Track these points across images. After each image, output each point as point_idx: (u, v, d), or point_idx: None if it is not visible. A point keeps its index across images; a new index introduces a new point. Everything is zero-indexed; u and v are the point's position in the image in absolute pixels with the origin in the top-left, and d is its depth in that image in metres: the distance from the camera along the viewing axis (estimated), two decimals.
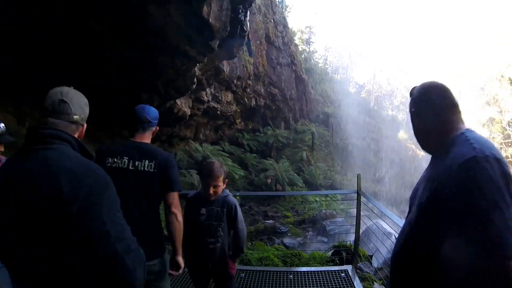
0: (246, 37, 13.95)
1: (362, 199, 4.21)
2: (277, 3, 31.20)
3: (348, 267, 4.25)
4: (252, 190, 18.55)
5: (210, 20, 7.10)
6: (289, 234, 12.73)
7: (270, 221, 13.99)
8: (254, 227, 12.70)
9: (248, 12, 12.06)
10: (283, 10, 33.79)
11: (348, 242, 4.98)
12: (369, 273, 4.65)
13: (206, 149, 17.24)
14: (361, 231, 4.47)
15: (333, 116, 32.24)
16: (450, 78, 44.14)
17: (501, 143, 27.61)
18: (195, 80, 10.85)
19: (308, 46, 43.88)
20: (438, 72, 46.49)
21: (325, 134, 30.33)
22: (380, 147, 30.25)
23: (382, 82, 48.71)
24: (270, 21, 27.39)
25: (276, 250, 6.14)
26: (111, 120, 10.07)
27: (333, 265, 4.60)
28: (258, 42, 25.34)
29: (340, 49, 48.11)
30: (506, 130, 25.78)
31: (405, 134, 37.99)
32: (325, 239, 11.61)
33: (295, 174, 21.50)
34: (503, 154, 27.07)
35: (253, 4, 24.39)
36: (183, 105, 14.64)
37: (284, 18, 31.60)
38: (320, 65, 45.26)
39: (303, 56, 39.12)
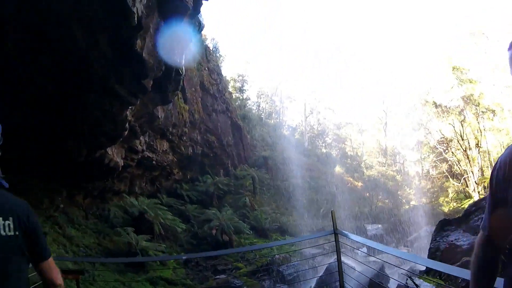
0: (181, 81, 13.49)
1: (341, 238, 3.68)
2: (211, 51, 31.92)
3: None
4: (196, 243, 17.10)
5: (143, 55, 6.46)
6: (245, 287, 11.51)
7: (222, 276, 12.65)
8: (205, 286, 11.29)
9: (184, 56, 11.69)
10: (217, 58, 34.65)
11: None
12: None
13: (143, 203, 15.62)
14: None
15: (270, 159, 32.56)
16: (377, 108, 48.52)
17: (434, 161, 30.03)
18: (127, 126, 9.84)
19: (242, 94, 45.11)
20: (366, 106, 50.84)
21: (265, 177, 30.23)
22: (319, 183, 30.92)
23: (313, 123, 51.53)
24: (205, 69, 27.64)
25: None
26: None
27: None
28: (193, 89, 25.14)
29: (271, 94, 50.33)
30: (437, 148, 28.24)
31: (341, 168, 39.73)
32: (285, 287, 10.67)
33: (241, 221, 20.58)
34: (436, 171, 29.69)
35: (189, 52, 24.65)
36: (115, 155, 13.25)
37: (218, 66, 32.30)
38: (254, 111, 46.48)
39: (237, 103, 39.90)
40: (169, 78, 10.09)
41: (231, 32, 79.65)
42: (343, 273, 4.01)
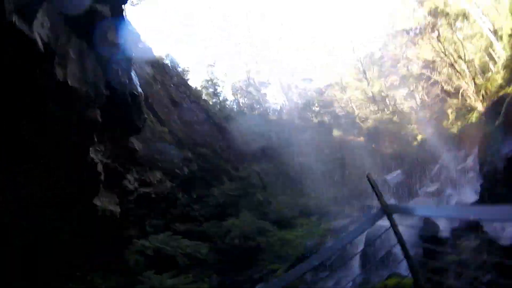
0: (143, 104, 12.46)
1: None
2: (171, 67, 30.98)
3: None
4: (225, 260, 16.18)
5: (70, 83, 5.44)
6: None
7: (261, 284, 11.72)
8: None
9: (134, 75, 10.64)
10: (181, 73, 33.63)
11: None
12: None
13: (155, 240, 14.66)
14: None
15: (267, 148, 31.62)
16: (350, 58, 47.65)
17: (425, 88, 29.18)
18: (100, 169, 8.81)
19: (218, 98, 44.13)
20: (339, 61, 49.68)
21: (269, 168, 29.32)
22: (323, 153, 30.05)
23: (296, 98, 50.52)
24: (170, 86, 26.64)
25: None
26: None
27: None
28: (166, 109, 24.15)
29: (246, 87, 49.21)
30: (424, 74, 27.41)
31: (338, 131, 38.86)
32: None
33: (261, 221, 19.69)
34: (430, 98, 28.83)
35: (147, 75, 23.59)
36: (106, 203, 12.20)
37: (184, 79, 31.44)
38: (235, 109, 45.50)
39: (217, 107, 38.95)
40: (125, 103, 9.06)
41: (183, 43, 78.56)
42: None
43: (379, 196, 2.88)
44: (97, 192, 10.00)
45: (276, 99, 51.87)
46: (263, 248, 16.59)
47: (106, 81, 7.60)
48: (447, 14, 22.32)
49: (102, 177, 9.12)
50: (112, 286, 13.36)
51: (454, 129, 24.09)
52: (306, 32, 74.19)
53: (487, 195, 8.03)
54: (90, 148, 7.75)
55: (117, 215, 13.19)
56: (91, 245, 12.94)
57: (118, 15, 7.32)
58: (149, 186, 18.04)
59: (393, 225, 2.77)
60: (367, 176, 2.96)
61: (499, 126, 8.07)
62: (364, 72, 45.86)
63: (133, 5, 29.14)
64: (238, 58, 49.17)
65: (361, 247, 9.67)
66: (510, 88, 17.32)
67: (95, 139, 7.62)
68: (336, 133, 38.56)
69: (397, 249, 3.29)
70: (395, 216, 2.84)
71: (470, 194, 12.00)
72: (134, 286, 12.71)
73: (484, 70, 26.69)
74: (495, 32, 23.07)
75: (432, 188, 16.10)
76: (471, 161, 16.57)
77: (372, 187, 2.95)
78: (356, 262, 10.94)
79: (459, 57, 23.23)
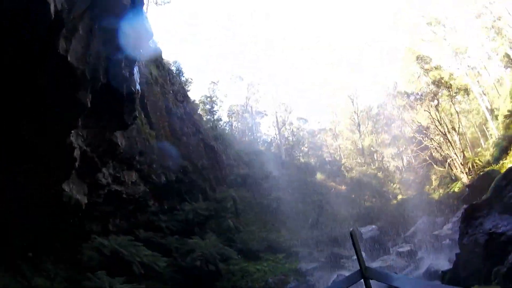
0: (137, 101, 12.27)
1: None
2: (175, 74, 31.07)
3: None
4: (182, 278, 15.43)
5: (69, 59, 5.24)
6: None
7: None
8: None
9: (136, 71, 10.52)
10: (183, 82, 33.74)
11: None
12: None
13: (114, 242, 13.92)
14: None
15: (249, 176, 31.35)
16: (348, 109, 48.67)
17: (415, 151, 29.68)
18: (77, 154, 8.44)
19: (212, 115, 44.24)
20: (336, 109, 50.79)
21: (246, 196, 28.89)
22: (303, 193, 29.87)
23: (288, 135, 50.99)
24: (169, 92, 26.49)
25: None
26: None
27: None
28: (159, 113, 23.85)
29: (242, 112, 49.56)
30: (416, 138, 28.02)
31: (322, 175, 38.97)
32: None
33: (226, 247, 19.04)
34: (417, 161, 29.29)
35: (149, 75, 23.47)
36: (74, 191, 11.63)
37: (184, 89, 31.43)
38: (226, 131, 45.53)
39: (209, 125, 38.89)
40: (120, 96, 8.85)
41: (194, 55, 79.38)
42: None
43: (359, 256, 2.71)
44: (68, 177, 9.54)
45: (268, 131, 52.32)
46: (223, 275, 15.94)
47: (106, 68, 7.43)
48: (450, 86, 23.36)
49: (77, 164, 8.72)
50: (59, 274, 12.60)
51: (435, 195, 24.44)
52: (310, 32, 76.10)
53: (462, 266, 7.92)
54: (72, 131, 7.43)
55: (82, 206, 12.62)
56: (49, 230, 12.29)
57: (137, 6, 7.30)
58: (122, 185, 17.43)
59: None
60: (351, 233, 2.80)
61: (485, 201, 8.11)
62: (359, 125, 46.93)
63: (158, 5, 29.67)
64: (240, 82, 49.60)
65: None
66: (497, 166, 17.93)
67: (79, 123, 7.32)
68: (319, 176, 38.68)
69: None
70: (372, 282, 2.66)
71: (443, 261, 11.93)
72: (82, 282, 11.90)
73: (474, 144, 27.67)
74: (491, 111, 24.14)
75: (405, 248, 16.00)
76: (447, 228, 16.70)
77: (353, 244, 2.78)
78: None
79: (453, 128, 24.08)
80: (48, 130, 6.43)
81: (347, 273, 12.36)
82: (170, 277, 15.42)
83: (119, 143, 14.02)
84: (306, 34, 72.80)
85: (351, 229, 3.03)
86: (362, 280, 2.74)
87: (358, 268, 2.75)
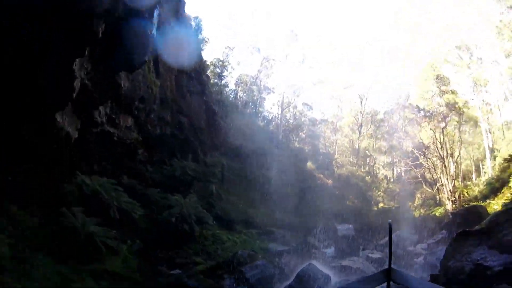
0: (150, 45, 11.84)
1: None
2: (194, 29, 30.15)
3: None
4: (156, 231, 15.58)
5: None
6: None
7: (177, 271, 11.24)
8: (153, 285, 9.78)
9: (156, 14, 10.07)
10: (198, 38, 32.80)
11: None
12: None
13: (96, 182, 13.83)
14: None
15: (244, 149, 31.25)
16: (354, 108, 48.44)
17: (409, 166, 29.91)
18: (76, 86, 8.14)
19: (220, 80, 43.44)
20: (344, 106, 50.51)
21: (236, 168, 28.89)
22: (290, 178, 30.00)
23: (289, 117, 50.64)
24: (182, 45, 25.71)
25: None
26: None
27: None
28: (167, 65, 23.25)
29: (250, 84, 48.78)
30: (413, 153, 28.14)
31: (312, 164, 39.11)
32: None
33: (204, 211, 19.14)
34: (407, 176, 29.52)
35: (167, 24, 22.67)
36: (67, 124, 11.37)
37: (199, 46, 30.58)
38: (230, 99, 44.94)
39: (215, 89, 38.24)
40: (134, 33, 8.46)
41: (215, 15, 77.07)
42: None
43: (390, 256, 2.54)
44: (63, 107, 9.27)
45: (271, 109, 51.73)
46: (195, 237, 16.12)
47: (126, 3, 7.02)
48: (462, 113, 23.15)
49: (74, 95, 8.43)
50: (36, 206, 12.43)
51: (416, 213, 24.75)
52: (311, 32, 75.40)
53: None
54: (77, 60, 7.11)
55: (71, 139, 12.42)
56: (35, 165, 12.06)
57: None
58: (115, 127, 17.20)
59: None
60: (389, 224, 2.62)
61: (478, 232, 8.08)
62: (361, 125, 46.71)
63: None
64: (255, 53, 48.55)
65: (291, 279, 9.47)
66: (484, 203, 18.40)
67: (86, 53, 6.99)
68: (310, 165, 38.79)
69: None
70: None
71: None
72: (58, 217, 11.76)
73: (466, 177, 27.87)
74: (491, 150, 24.15)
75: (376, 255, 16.25)
76: (421, 247, 17.00)
77: (390, 238, 2.62)
78: None
79: (451, 155, 24.08)
80: (57, 54, 6.11)
81: (317, 263, 12.53)
82: (145, 228, 15.52)
83: (122, 85, 13.70)
84: (306, 34, 71.81)
85: (389, 221, 2.83)
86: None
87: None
